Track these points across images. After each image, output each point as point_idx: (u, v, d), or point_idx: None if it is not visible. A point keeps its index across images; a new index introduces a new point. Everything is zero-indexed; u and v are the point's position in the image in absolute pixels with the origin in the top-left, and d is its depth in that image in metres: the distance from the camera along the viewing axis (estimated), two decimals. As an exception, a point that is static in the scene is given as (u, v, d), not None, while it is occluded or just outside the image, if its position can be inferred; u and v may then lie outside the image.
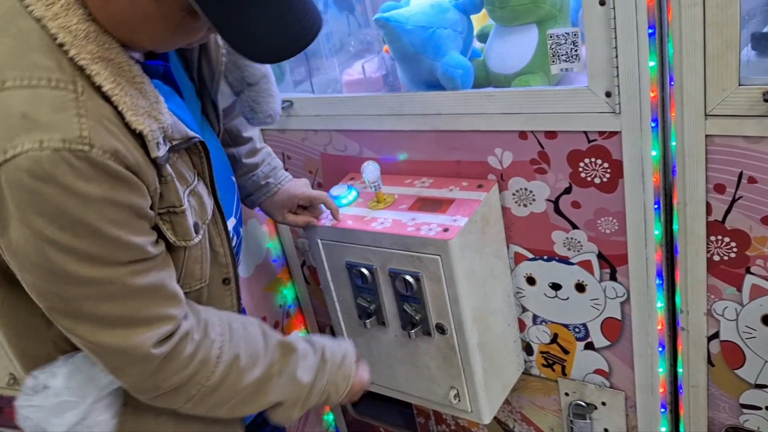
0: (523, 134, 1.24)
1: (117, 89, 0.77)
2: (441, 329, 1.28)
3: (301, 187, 1.36)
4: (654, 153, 1.12)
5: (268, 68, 1.20)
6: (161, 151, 0.82)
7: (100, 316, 0.81)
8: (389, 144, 1.43)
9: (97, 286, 0.79)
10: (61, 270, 0.77)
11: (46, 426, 0.93)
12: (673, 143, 1.10)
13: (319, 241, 1.38)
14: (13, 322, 0.96)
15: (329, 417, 2.09)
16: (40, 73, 0.73)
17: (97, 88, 0.76)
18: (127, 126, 0.78)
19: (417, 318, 1.30)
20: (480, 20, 1.43)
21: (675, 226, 1.17)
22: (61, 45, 0.74)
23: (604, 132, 1.15)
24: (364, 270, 1.33)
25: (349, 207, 1.38)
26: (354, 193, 1.40)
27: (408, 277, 1.26)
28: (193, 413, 0.96)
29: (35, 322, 0.92)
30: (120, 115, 0.77)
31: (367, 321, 1.38)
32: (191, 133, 0.90)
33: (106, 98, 0.77)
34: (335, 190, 1.41)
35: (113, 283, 0.80)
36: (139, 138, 0.80)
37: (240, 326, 0.99)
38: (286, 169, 1.62)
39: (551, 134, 1.21)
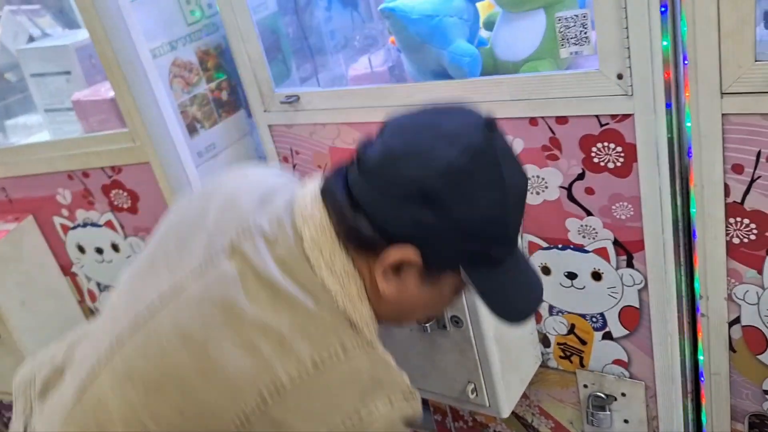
0: (533, 120, 1.22)
1: (387, 353, 0.85)
2: (456, 322, 1.26)
3: None
4: (668, 135, 1.10)
5: None
6: None
7: None
8: (398, 136, 1.41)
9: None
10: None
11: None
12: (688, 124, 1.08)
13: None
14: None
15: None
16: (363, 338, 0.81)
17: None
18: None
19: (431, 311, 1.28)
20: (485, 9, 1.41)
21: (692, 210, 1.15)
22: (353, 324, 0.81)
23: (617, 115, 1.13)
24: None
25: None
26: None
27: (421, 270, 1.24)
28: None
29: None
30: None
31: (381, 316, 1.36)
32: None
33: None
34: (344, 185, 1.39)
35: None
36: None
37: None
38: (294, 165, 1.61)
39: (562, 119, 1.19)
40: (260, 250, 0.81)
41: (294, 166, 1.61)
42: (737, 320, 1.19)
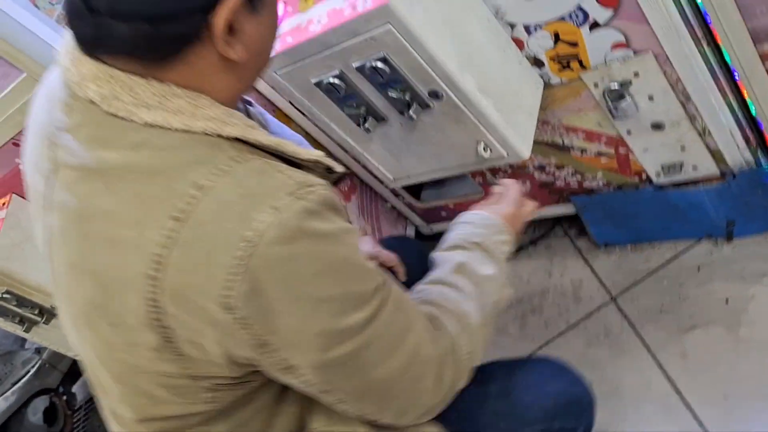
0: None
1: (272, 138, 0.75)
2: (435, 95, 1.17)
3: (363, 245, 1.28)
4: None
5: None
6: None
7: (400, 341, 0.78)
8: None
9: (378, 319, 0.75)
10: (350, 321, 0.72)
11: None
12: None
13: (274, 74, 1.25)
14: None
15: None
16: (218, 160, 0.70)
17: (259, 149, 0.75)
18: (299, 165, 0.76)
19: (407, 97, 1.18)
20: None
21: None
22: (208, 134, 0.71)
23: None
24: (333, 80, 1.21)
25: (284, 23, 1.23)
26: (280, 8, 1.24)
27: (376, 64, 1.13)
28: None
29: None
30: (286, 158, 0.76)
31: (366, 125, 1.28)
32: None
33: (270, 153, 0.75)
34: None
35: (388, 307, 0.76)
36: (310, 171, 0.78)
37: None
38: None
39: None
40: (70, 145, 0.73)
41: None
42: (719, -61, 1.04)
